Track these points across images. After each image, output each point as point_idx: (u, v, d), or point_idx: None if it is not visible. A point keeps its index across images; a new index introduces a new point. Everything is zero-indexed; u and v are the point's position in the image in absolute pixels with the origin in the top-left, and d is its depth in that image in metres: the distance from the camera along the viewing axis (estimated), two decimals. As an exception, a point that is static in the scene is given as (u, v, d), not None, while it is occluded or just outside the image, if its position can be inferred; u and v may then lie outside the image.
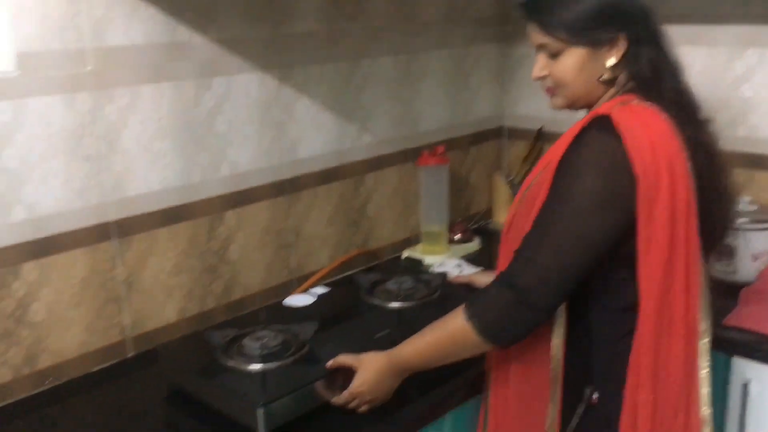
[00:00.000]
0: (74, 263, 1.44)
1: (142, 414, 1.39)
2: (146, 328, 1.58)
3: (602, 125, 1.14)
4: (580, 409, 1.23)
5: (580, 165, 1.13)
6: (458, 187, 2.26)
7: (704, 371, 1.22)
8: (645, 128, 1.14)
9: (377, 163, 2.00)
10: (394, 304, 1.58)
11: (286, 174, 1.78)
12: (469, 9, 2.18)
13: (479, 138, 2.31)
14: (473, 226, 2.25)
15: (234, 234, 1.70)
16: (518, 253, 1.18)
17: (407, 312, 1.57)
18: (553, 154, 1.18)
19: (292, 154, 1.79)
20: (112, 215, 1.49)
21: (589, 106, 1.24)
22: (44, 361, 1.43)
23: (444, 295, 1.62)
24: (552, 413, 1.22)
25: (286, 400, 1.25)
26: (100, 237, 1.48)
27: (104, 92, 1.43)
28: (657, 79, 1.20)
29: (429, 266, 1.93)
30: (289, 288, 1.82)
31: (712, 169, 1.23)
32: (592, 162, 1.13)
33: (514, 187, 2.27)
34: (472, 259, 2.02)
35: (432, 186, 2.02)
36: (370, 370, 1.28)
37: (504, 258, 1.26)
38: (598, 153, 1.13)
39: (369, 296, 1.62)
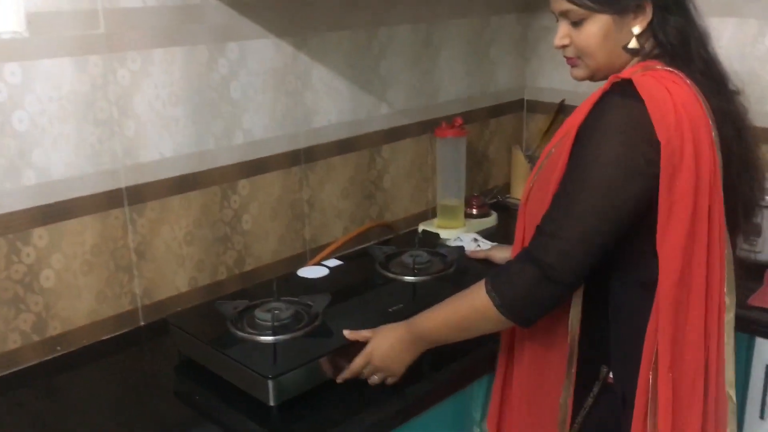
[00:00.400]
0: (85, 229, 1.42)
1: (151, 383, 1.38)
2: (157, 298, 1.56)
3: (624, 90, 1.09)
4: (596, 389, 1.20)
5: (601, 132, 1.08)
6: (476, 161, 2.22)
7: (729, 347, 1.18)
8: (668, 93, 1.08)
9: (394, 134, 1.96)
10: (409, 278, 1.55)
11: (301, 144, 1.75)
12: (491, -23, 2.12)
13: (499, 110, 2.26)
14: (491, 200, 2.21)
15: (247, 204, 1.67)
16: (540, 228, 1.14)
17: (422, 286, 1.53)
18: (573, 121, 1.13)
19: (307, 123, 1.75)
20: (124, 181, 1.46)
21: (616, 71, 1.18)
22: (54, 329, 1.41)
23: (460, 270, 1.59)
24: (566, 391, 1.19)
25: (296, 372, 1.23)
26: (111, 203, 1.45)
27: (116, 55, 1.40)
28: (684, 47, 1.15)
29: (445, 240, 1.89)
30: (303, 260, 1.79)
31: (739, 143, 1.18)
32: (614, 128, 1.08)
33: (534, 161, 2.22)
34: (489, 234, 1.98)
35: (449, 159, 1.98)
36: (384, 337, 1.26)
37: (521, 231, 1.22)
38: (620, 118, 1.08)
39: (383, 269, 1.59)
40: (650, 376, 1.12)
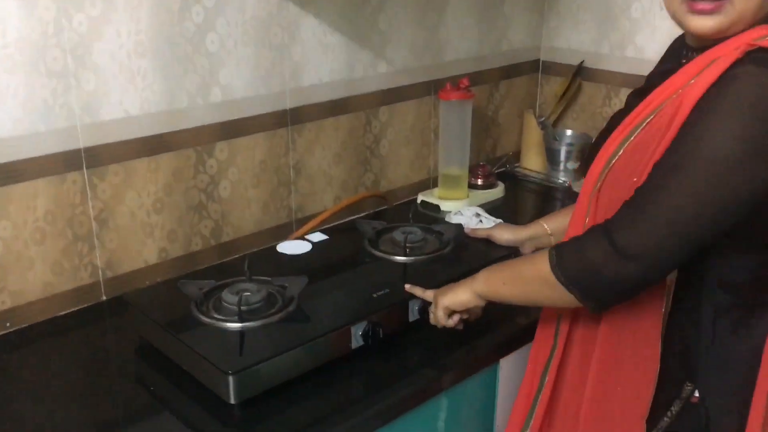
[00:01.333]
0: (37, 194, 1.27)
1: (110, 365, 1.25)
2: (122, 270, 1.42)
3: (764, 60, 0.91)
4: (675, 408, 1.04)
5: (731, 103, 0.90)
6: (483, 126, 2.04)
7: None
8: None
9: (393, 96, 1.78)
10: (399, 258, 1.39)
11: (288, 103, 1.58)
12: None
13: (511, 72, 2.07)
14: (498, 170, 2.04)
15: (226, 169, 1.51)
16: (629, 202, 0.97)
17: (413, 267, 1.38)
18: (688, 90, 0.94)
19: (295, 81, 1.57)
20: (82, 141, 1.31)
21: (739, 32, 0.97)
22: (2, 303, 1.28)
23: (457, 250, 1.43)
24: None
25: (263, 366, 1.08)
26: (67, 166, 1.30)
27: (71, -2, 1.23)
28: None
29: (445, 213, 1.73)
30: (288, 230, 1.64)
31: None
32: (747, 101, 0.89)
33: (547, 128, 2.04)
34: (494, 207, 1.82)
35: (454, 123, 1.80)
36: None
37: (582, 221, 1.05)
38: (758, 95, 0.89)
39: (372, 247, 1.43)
40: (766, 400, 0.98)
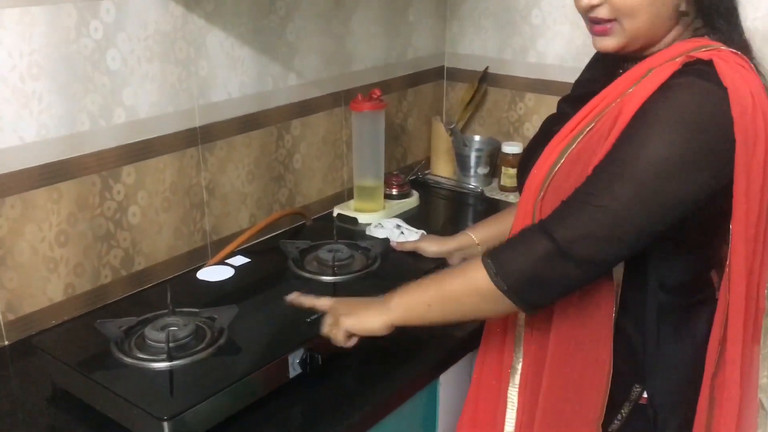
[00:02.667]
0: None
1: (15, 418, 1.13)
2: (24, 311, 1.29)
3: (703, 72, 0.93)
4: (625, 410, 1.05)
5: (672, 114, 0.91)
6: (394, 135, 2.02)
7: (765, 350, 1.08)
8: (745, 82, 0.93)
9: (304, 108, 1.73)
10: (328, 278, 1.35)
11: (197, 121, 1.50)
12: (408, -70, 1.91)
13: (417, 79, 2.06)
14: (411, 177, 2.03)
15: (134, 193, 1.42)
16: (567, 202, 0.97)
17: (344, 287, 1.34)
18: (629, 99, 0.96)
19: (203, 97, 1.50)
20: (-27, 174, 1.18)
21: (642, 48, 1.02)
22: None
23: (386, 265, 1.40)
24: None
25: (200, 408, 1.01)
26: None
27: (-47, 16, 1.11)
28: (728, 18, 0.98)
29: (364, 226, 1.70)
30: (204, 255, 1.56)
31: None
32: (689, 113, 0.91)
33: (456, 134, 2.05)
34: (411, 216, 1.81)
35: (367, 134, 1.77)
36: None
37: (525, 220, 1.04)
38: (698, 104, 0.91)
39: (298, 268, 1.38)
40: (709, 390, 1.01)
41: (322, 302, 1.16)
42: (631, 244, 0.96)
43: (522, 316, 1.10)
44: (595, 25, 1.00)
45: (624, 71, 1.04)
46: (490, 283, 0.98)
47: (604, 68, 1.11)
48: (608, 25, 0.99)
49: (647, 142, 0.92)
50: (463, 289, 1.03)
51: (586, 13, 1.01)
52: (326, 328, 1.13)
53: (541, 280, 0.97)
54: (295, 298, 1.19)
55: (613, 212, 0.93)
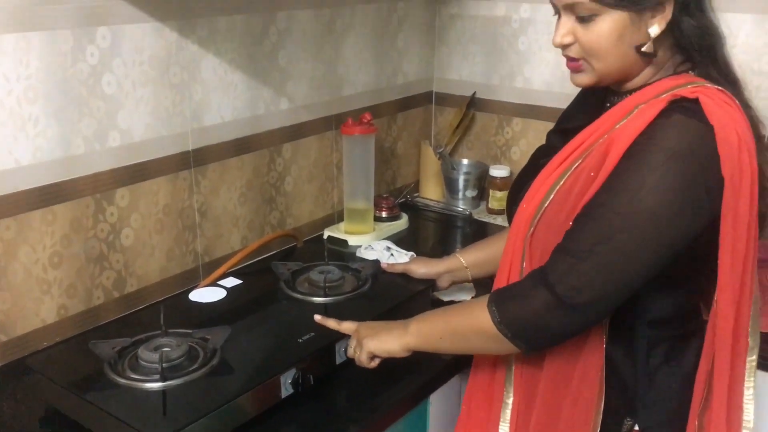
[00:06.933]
0: None
1: (11, 441, 1.13)
2: (17, 333, 1.30)
3: (689, 110, 0.95)
4: None
5: (660, 154, 0.93)
6: (384, 158, 2.05)
7: (749, 392, 1.07)
8: (731, 119, 0.95)
9: (296, 132, 1.76)
10: (319, 299, 1.36)
11: (191, 144, 1.52)
12: (397, -41, 1.95)
13: (407, 104, 2.10)
14: (400, 200, 2.06)
15: (127, 216, 1.43)
16: (563, 247, 0.99)
17: (335, 308, 1.35)
18: (615, 137, 0.98)
19: (197, 121, 1.52)
20: (-32, 197, 1.20)
21: (618, 83, 1.05)
22: None
23: (376, 287, 1.42)
24: None
25: (192, 428, 1.02)
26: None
27: (-48, 41, 1.13)
28: (707, 52, 1.01)
29: (355, 248, 1.72)
30: (196, 276, 1.57)
31: (761, 158, 1.03)
32: (676, 153, 0.93)
33: (444, 158, 2.08)
34: (400, 238, 1.83)
35: (357, 158, 1.80)
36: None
37: (518, 259, 1.06)
38: (685, 143, 0.93)
39: (289, 289, 1.39)
40: (696, 424, 1.03)
41: (347, 325, 1.21)
42: (631, 287, 0.99)
43: (512, 355, 1.12)
44: (568, 61, 1.05)
45: (611, 105, 1.07)
46: (494, 327, 1.02)
47: (592, 101, 1.13)
48: (579, 63, 1.03)
49: (641, 189, 0.94)
50: (470, 328, 1.07)
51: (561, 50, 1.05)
52: (350, 351, 1.19)
53: (545, 329, 1.00)
54: (321, 319, 1.24)
55: (612, 261, 0.96)
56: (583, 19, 0.99)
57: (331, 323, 1.22)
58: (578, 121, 1.10)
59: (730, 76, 1.04)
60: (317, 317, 1.24)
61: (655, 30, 0.99)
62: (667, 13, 0.99)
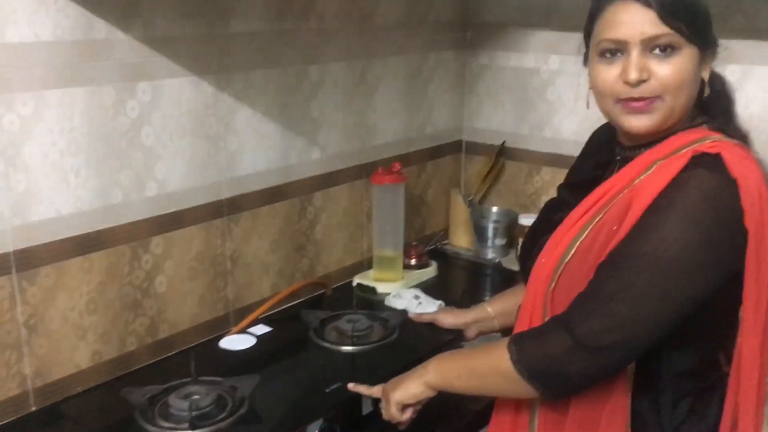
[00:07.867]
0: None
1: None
2: (52, 378, 1.33)
3: (711, 165, 0.96)
4: None
5: (685, 209, 0.94)
6: (413, 206, 2.07)
7: None
8: (751, 173, 0.96)
9: (327, 181, 1.79)
10: (347, 348, 1.38)
11: (224, 194, 1.56)
12: (428, 12, 2.00)
13: (436, 152, 2.13)
14: (429, 248, 2.07)
15: (161, 263, 1.47)
16: (583, 296, 0.99)
17: (362, 357, 1.37)
18: (639, 191, 0.98)
19: (231, 170, 1.56)
20: (11, 245, 1.24)
21: (663, 132, 1.03)
22: None
23: (403, 336, 1.43)
24: None
25: (220, 477, 1.04)
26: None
27: (2, 97, 1.19)
28: (727, 104, 1.03)
29: (383, 295, 1.73)
30: (226, 323, 1.60)
31: None
32: (701, 207, 0.94)
33: (474, 206, 2.10)
34: (429, 285, 1.84)
35: (387, 206, 1.83)
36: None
37: (539, 313, 1.06)
38: (711, 199, 0.94)
39: (318, 337, 1.41)
40: None
41: (375, 389, 1.22)
42: (651, 336, 0.98)
43: (536, 400, 1.12)
44: (633, 102, 0.99)
45: (622, 158, 1.07)
46: (511, 367, 1.02)
47: (600, 156, 1.14)
48: (652, 101, 0.99)
49: (665, 240, 0.94)
50: (488, 368, 1.07)
51: (630, 88, 0.99)
52: (384, 413, 1.19)
53: (560, 371, 1.00)
54: (353, 386, 1.24)
55: (632, 308, 0.96)
56: (662, 54, 0.97)
57: (362, 389, 1.23)
58: (588, 175, 1.11)
59: (741, 131, 1.05)
60: (350, 385, 1.24)
61: (706, 75, 1.00)
62: (713, 60, 1.00)
